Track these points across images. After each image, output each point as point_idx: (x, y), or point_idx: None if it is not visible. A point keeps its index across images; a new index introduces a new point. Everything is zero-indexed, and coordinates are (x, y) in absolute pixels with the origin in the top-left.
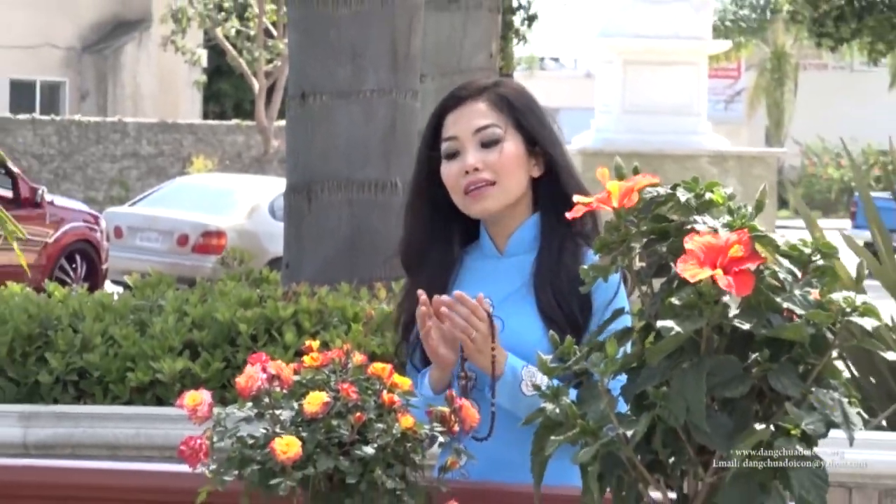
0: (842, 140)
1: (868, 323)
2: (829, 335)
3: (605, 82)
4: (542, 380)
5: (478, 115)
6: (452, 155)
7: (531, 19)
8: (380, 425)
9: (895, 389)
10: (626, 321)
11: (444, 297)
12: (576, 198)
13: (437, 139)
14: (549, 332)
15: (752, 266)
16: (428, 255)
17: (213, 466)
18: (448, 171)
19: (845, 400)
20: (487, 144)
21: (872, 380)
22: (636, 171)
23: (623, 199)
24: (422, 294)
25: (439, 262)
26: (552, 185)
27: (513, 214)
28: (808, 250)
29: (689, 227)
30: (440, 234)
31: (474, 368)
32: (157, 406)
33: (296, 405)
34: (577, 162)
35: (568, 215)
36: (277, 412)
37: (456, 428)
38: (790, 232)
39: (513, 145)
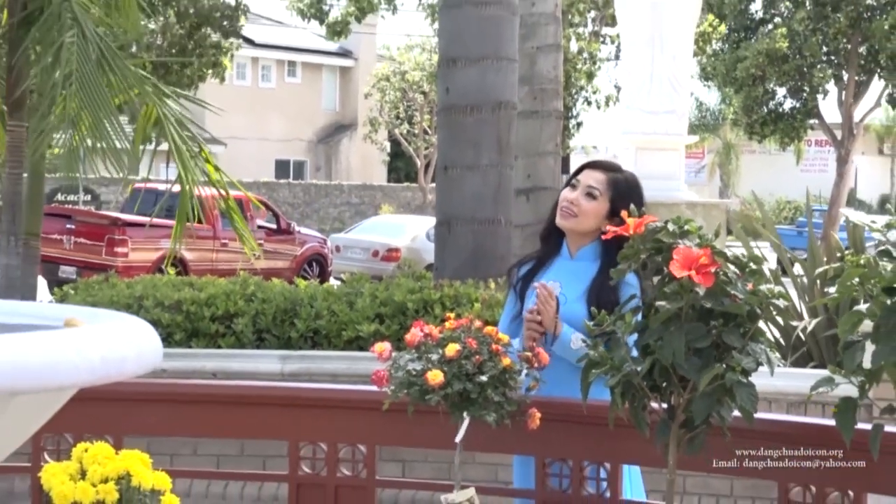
0: (752, 192)
1: (782, 303)
2: (758, 311)
3: (624, 161)
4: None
5: (597, 179)
6: (572, 186)
7: (579, 124)
8: (490, 363)
9: (798, 344)
10: (638, 302)
11: (539, 284)
12: (607, 228)
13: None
14: (591, 308)
15: (712, 269)
16: (545, 241)
17: (392, 388)
18: (564, 193)
19: (768, 349)
20: (587, 196)
21: (784, 338)
22: (642, 213)
23: (636, 228)
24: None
25: (544, 250)
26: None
27: (583, 238)
28: (745, 260)
29: (675, 246)
30: (549, 234)
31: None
32: (359, 351)
33: (440, 351)
34: None
35: (603, 237)
36: (429, 355)
37: (536, 365)
38: (734, 248)
39: (599, 206)
